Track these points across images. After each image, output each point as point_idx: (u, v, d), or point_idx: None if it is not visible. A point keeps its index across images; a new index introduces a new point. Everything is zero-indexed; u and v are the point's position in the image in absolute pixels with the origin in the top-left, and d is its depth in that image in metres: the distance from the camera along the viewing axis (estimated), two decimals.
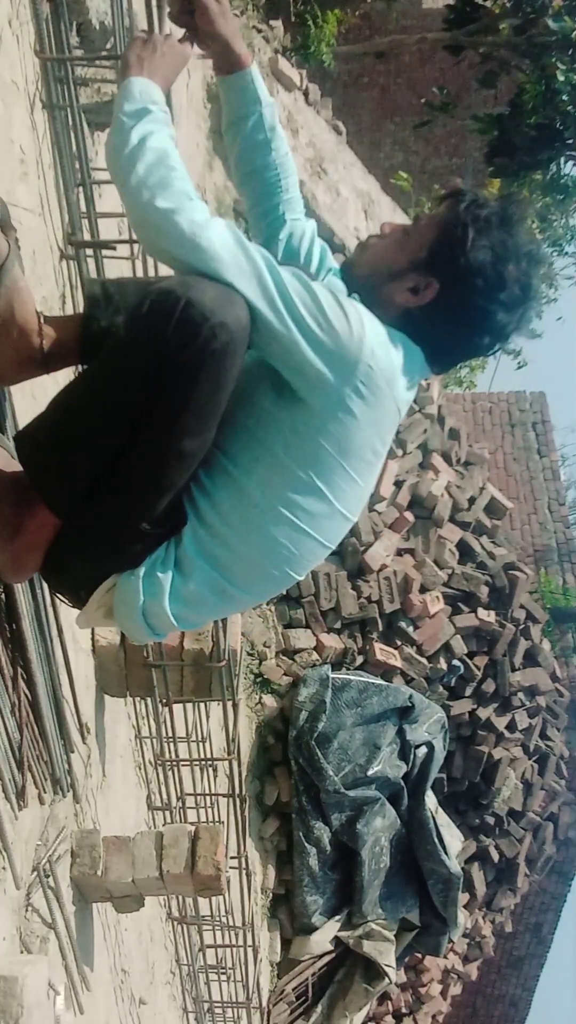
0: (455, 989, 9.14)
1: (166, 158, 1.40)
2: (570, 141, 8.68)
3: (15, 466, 1.71)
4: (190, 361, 1.35)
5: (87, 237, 2.65)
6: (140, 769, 3.86)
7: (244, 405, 1.50)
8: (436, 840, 6.76)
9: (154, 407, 1.40)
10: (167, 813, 3.79)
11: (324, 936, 6.54)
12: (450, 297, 1.54)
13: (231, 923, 4.49)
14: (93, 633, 3.14)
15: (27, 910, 2.30)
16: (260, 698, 6.37)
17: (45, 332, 1.60)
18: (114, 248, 2.68)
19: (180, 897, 3.85)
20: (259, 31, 7.01)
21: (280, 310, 1.41)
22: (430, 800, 6.89)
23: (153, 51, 1.54)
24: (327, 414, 1.45)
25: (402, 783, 6.66)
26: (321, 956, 6.59)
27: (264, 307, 1.40)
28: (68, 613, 2.72)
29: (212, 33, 1.63)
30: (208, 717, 3.93)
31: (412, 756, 6.65)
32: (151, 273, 2.30)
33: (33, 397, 2.40)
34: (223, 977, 4.82)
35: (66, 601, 1.72)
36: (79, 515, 1.54)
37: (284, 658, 6.48)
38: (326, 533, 1.58)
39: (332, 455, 1.48)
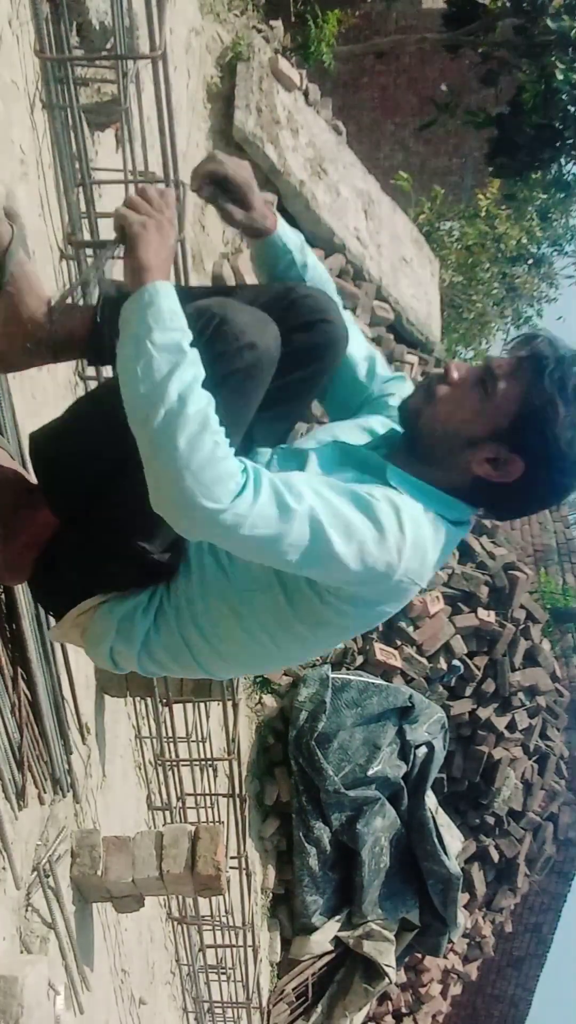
0: (455, 989, 9.14)
1: (208, 427, 1.24)
2: (570, 140, 8.68)
3: (13, 467, 1.71)
4: (214, 376, 1.30)
5: (87, 237, 2.64)
6: (140, 769, 3.86)
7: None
8: (436, 840, 6.75)
9: None
10: (167, 813, 3.80)
11: (324, 936, 6.54)
12: (534, 478, 1.45)
13: (231, 923, 4.49)
14: None
15: (27, 910, 2.30)
16: (260, 698, 6.37)
17: (56, 319, 1.55)
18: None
19: (180, 897, 3.85)
20: (259, 31, 7.01)
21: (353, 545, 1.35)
22: (430, 800, 6.88)
23: (159, 228, 1.39)
24: (337, 618, 1.47)
25: (402, 783, 6.66)
26: (321, 956, 6.59)
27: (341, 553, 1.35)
28: None
29: (248, 203, 1.57)
30: (208, 717, 3.93)
31: (412, 756, 6.65)
32: None
33: (33, 397, 2.41)
34: (223, 977, 4.82)
35: (45, 611, 1.75)
36: (79, 520, 1.52)
37: None
38: (292, 659, 1.62)
39: (338, 627, 1.50)
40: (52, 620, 2.44)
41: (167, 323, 1.28)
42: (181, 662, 1.57)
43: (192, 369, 1.26)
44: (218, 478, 1.23)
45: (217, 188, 1.55)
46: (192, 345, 1.29)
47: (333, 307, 1.57)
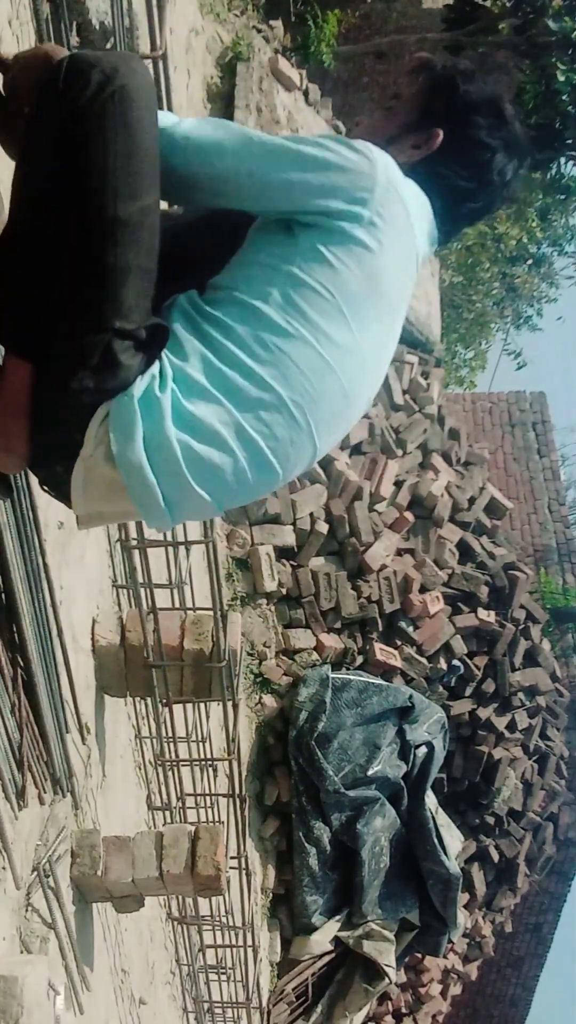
0: (455, 989, 9.14)
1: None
2: (570, 141, 8.68)
3: None
4: (90, 110, 1.23)
5: None
6: (140, 769, 3.86)
7: (252, 246, 1.43)
8: (435, 840, 6.76)
9: (74, 180, 1.26)
10: (167, 813, 3.79)
11: (324, 936, 6.54)
12: (454, 138, 1.52)
13: (231, 923, 4.49)
14: (93, 633, 3.14)
15: (27, 910, 2.30)
16: (260, 698, 6.37)
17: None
18: None
19: (180, 897, 3.85)
20: (259, 31, 7.01)
21: (289, 147, 1.37)
22: (430, 800, 6.89)
23: None
24: (345, 235, 1.37)
25: (402, 783, 6.66)
26: (321, 956, 6.59)
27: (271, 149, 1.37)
28: (68, 613, 2.72)
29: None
30: (208, 717, 3.93)
31: (412, 756, 6.65)
32: None
33: None
34: (223, 977, 4.82)
35: (59, 493, 1.47)
36: (50, 347, 1.35)
37: (284, 658, 6.48)
38: (348, 373, 1.42)
39: (354, 276, 1.38)
40: (54, 621, 2.44)
41: None
42: (224, 418, 1.35)
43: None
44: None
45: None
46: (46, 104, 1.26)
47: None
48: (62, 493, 1.44)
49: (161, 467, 1.33)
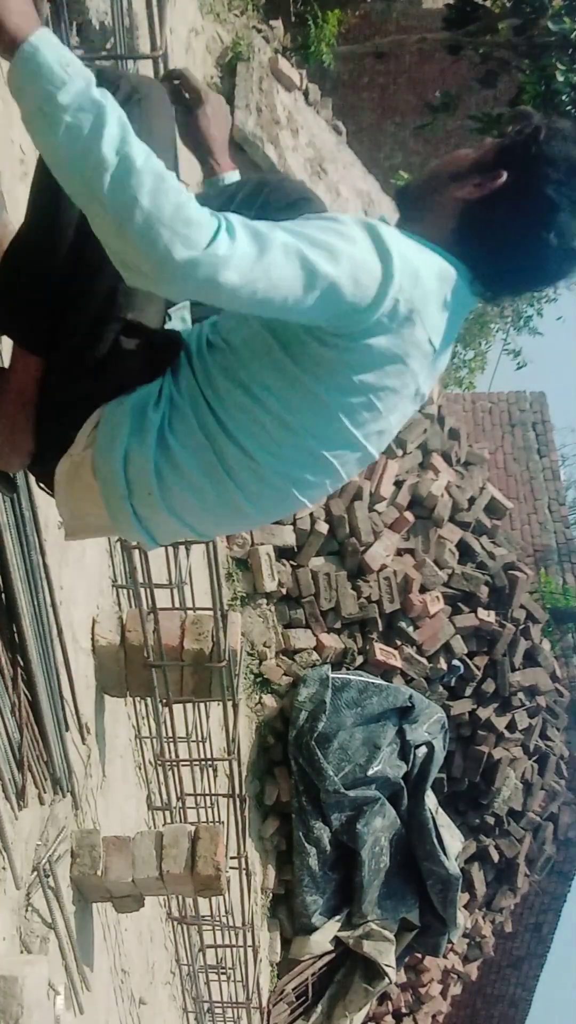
0: (455, 989, 9.14)
1: (163, 176, 1.14)
2: None
3: None
4: None
5: None
6: (140, 769, 3.86)
7: (255, 348, 1.37)
8: (435, 841, 6.76)
9: None
10: (167, 813, 3.80)
11: (324, 936, 6.54)
12: (518, 184, 1.41)
13: (231, 923, 4.49)
14: (93, 633, 3.14)
15: (27, 910, 2.30)
16: (260, 698, 6.37)
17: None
18: None
19: (180, 897, 3.85)
20: (259, 31, 7.01)
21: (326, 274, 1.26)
22: (430, 800, 6.89)
23: None
24: (351, 345, 1.32)
25: (402, 783, 6.66)
26: (321, 956, 6.59)
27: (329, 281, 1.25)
28: (68, 613, 2.72)
29: (204, 135, 1.56)
30: (208, 717, 3.93)
31: (412, 756, 6.65)
32: None
33: None
34: (223, 977, 4.83)
35: (49, 487, 1.47)
36: (58, 339, 1.35)
37: (284, 658, 6.48)
38: (343, 461, 1.42)
39: (353, 382, 1.34)
40: (54, 621, 2.44)
41: (63, 76, 1.10)
42: (203, 462, 1.36)
43: (115, 116, 1.11)
44: (192, 222, 1.14)
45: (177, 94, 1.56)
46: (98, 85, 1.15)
47: (308, 189, 1.60)
48: (51, 493, 1.47)
49: (135, 484, 1.35)
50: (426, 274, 1.36)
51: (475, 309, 1.54)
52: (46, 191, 1.31)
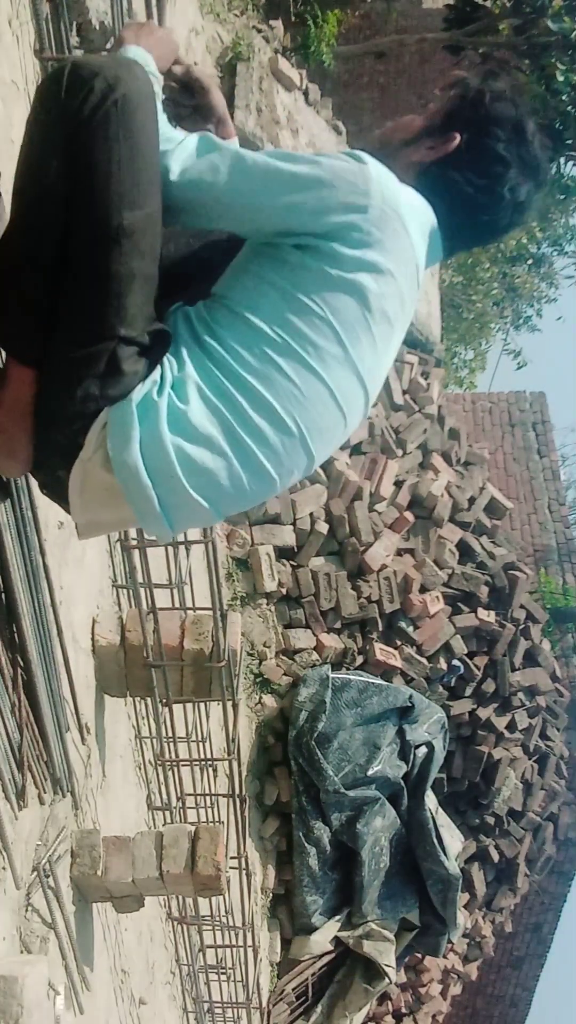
0: (455, 989, 9.14)
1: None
2: (570, 141, 8.68)
3: None
4: (94, 119, 1.25)
5: None
6: (140, 769, 3.86)
7: (247, 256, 1.45)
8: (435, 841, 6.76)
9: (79, 188, 1.27)
10: (167, 813, 3.79)
11: (324, 936, 6.54)
12: (471, 145, 1.53)
13: (231, 923, 4.49)
14: (93, 633, 3.14)
15: (27, 910, 2.30)
16: (260, 698, 6.37)
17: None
18: None
19: (180, 897, 3.85)
20: (259, 31, 7.01)
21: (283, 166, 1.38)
22: (430, 800, 6.89)
23: (150, 32, 1.46)
24: (338, 255, 1.38)
25: (402, 783, 6.66)
26: (321, 956, 6.59)
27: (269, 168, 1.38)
28: (68, 613, 2.72)
29: (209, 107, 1.60)
30: (208, 717, 3.93)
31: (412, 756, 6.65)
32: None
33: None
34: (223, 977, 4.82)
35: (58, 497, 1.47)
36: (51, 351, 1.36)
37: (284, 658, 6.48)
38: (339, 383, 1.43)
39: (346, 294, 1.38)
40: (54, 621, 2.44)
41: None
42: (219, 421, 1.36)
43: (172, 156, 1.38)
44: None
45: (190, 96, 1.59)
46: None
47: None
48: (62, 497, 1.45)
49: (156, 471, 1.33)
50: (406, 195, 1.45)
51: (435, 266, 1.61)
52: (27, 205, 1.32)
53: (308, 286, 1.38)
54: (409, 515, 7.30)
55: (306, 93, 7.39)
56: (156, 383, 1.36)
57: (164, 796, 3.70)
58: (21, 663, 2.22)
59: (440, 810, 7.13)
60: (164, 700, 3.35)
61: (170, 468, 1.34)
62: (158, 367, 1.37)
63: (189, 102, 1.59)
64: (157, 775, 3.70)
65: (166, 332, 1.38)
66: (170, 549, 3.22)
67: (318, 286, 1.38)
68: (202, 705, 3.80)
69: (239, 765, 3.88)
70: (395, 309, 1.45)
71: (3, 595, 2.12)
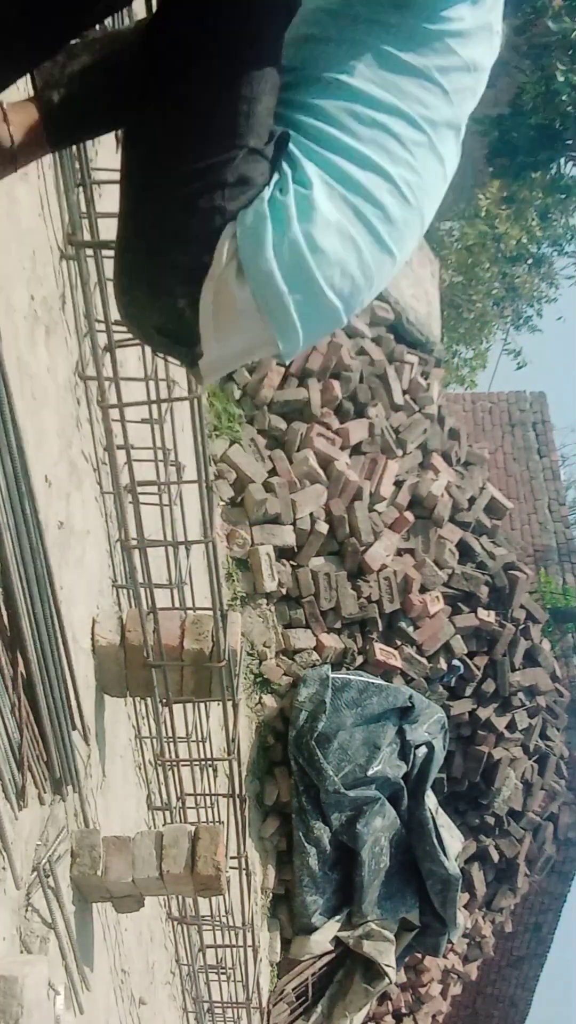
0: (455, 989, 9.14)
1: None
2: (570, 141, 8.70)
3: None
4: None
5: (87, 237, 2.65)
6: (140, 769, 3.86)
7: (315, 24, 1.30)
8: (435, 841, 6.76)
9: None
10: (167, 813, 3.79)
11: (324, 936, 6.54)
12: None
13: (231, 923, 4.49)
14: (93, 633, 3.14)
15: (27, 910, 2.30)
16: (260, 698, 6.37)
17: (11, 119, 1.38)
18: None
19: (180, 897, 3.86)
20: None
21: None
22: (430, 800, 6.89)
23: None
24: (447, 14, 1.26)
25: (402, 783, 6.67)
26: (321, 956, 6.59)
27: None
28: (68, 613, 2.72)
29: None
30: (208, 717, 3.93)
31: (412, 756, 6.65)
32: None
33: (33, 397, 2.41)
34: (223, 977, 4.82)
35: (178, 341, 1.36)
36: (155, 163, 1.26)
37: (284, 658, 6.48)
38: (447, 150, 1.35)
39: (448, 54, 1.28)
40: (54, 621, 2.44)
41: None
42: (347, 210, 1.27)
43: None
44: None
45: None
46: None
47: None
48: (183, 337, 1.34)
49: (290, 271, 1.25)
50: None
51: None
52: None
53: (410, 44, 1.26)
54: (409, 515, 7.30)
55: None
56: (277, 182, 1.26)
57: (164, 796, 3.70)
58: (21, 663, 2.22)
59: (440, 810, 7.13)
60: (164, 700, 3.35)
61: (303, 263, 1.26)
62: (276, 173, 1.27)
63: None
64: (157, 775, 3.70)
65: (284, 134, 1.27)
66: (170, 549, 3.22)
67: (419, 43, 1.26)
68: (202, 705, 3.80)
69: (239, 765, 3.87)
70: (477, 89, 1.37)
71: (3, 595, 2.12)
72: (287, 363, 1.43)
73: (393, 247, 1.31)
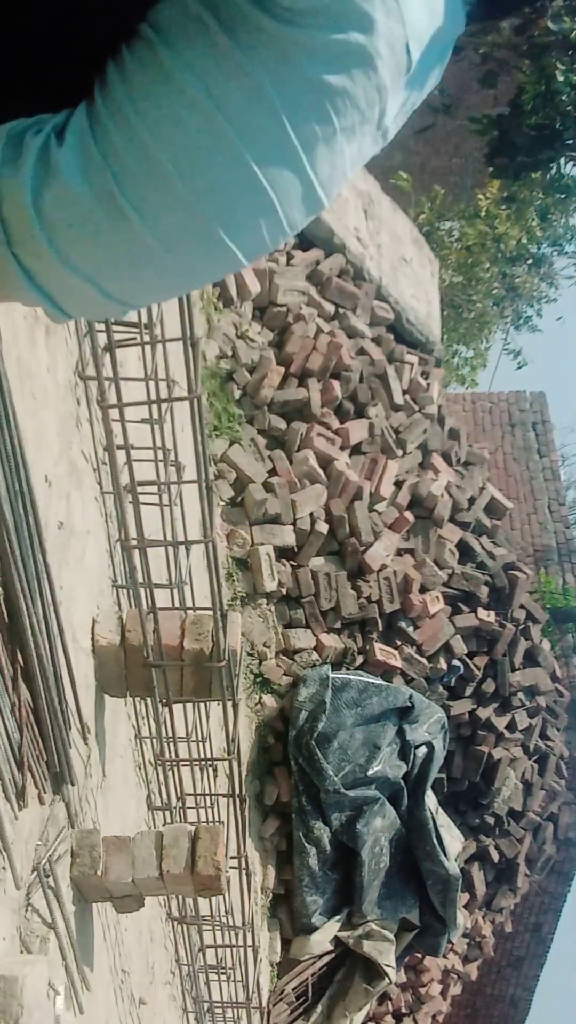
0: (455, 989, 9.14)
1: None
2: (570, 141, 8.68)
3: None
4: None
5: None
6: (140, 769, 3.86)
7: None
8: (435, 841, 6.76)
9: None
10: (167, 813, 3.80)
11: (324, 936, 6.54)
12: None
13: (231, 923, 4.49)
14: (93, 633, 3.14)
15: (27, 910, 2.30)
16: (260, 698, 6.37)
17: None
18: None
19: (180, 897, 3.85)
20: None
21: None
22: (430, 800, 6.89)
23: None
24: (310, 22, 0.92)
25: (402, 783, 6.67)
26: (321, 956, 6.59)
27: None
28: (68, 613, 2.72)
29: None
30: (208, 717, 3.93)
31: (412, 756, 6.66)
32: None
33: (33, 397, 2.41)
34: (223, 977, 4.82)
35: None
36: None
37: (284, 658, 6.48)
38: (264, 156, 0.98)
39: (307, 76, 0.96)
40: (55, 621, 2.44)
41: None
42: (97, 186, 0.95)
43: None
44: None
45: None
46: None
47: None
48: None
49: (12, 227, 0.95)
50: None
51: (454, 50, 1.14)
52: None
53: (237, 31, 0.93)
54: (409, 515, 7.30)
55: None
56: (35, 124, 1.00)
57: (164, 796, 3.70)
58: (21, 663, 2.22)
59: (440, 810, 7.13)
60: (164, 700, 3.35)
61: (28, 225, 0.95)
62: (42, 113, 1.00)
63: None
64: (157, 775, 3.70)
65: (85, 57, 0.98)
66: (170, 549, 3.22)
67: (276, 65, 0.95)
68: (202, 705, 3.80)
69: (239, 765, 3.87)
70: (367, 116, 1.02)
71: (3, 595, 2.12)
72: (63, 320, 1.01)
73: (158, 246, 0.99)
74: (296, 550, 6.57)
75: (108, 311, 1.07)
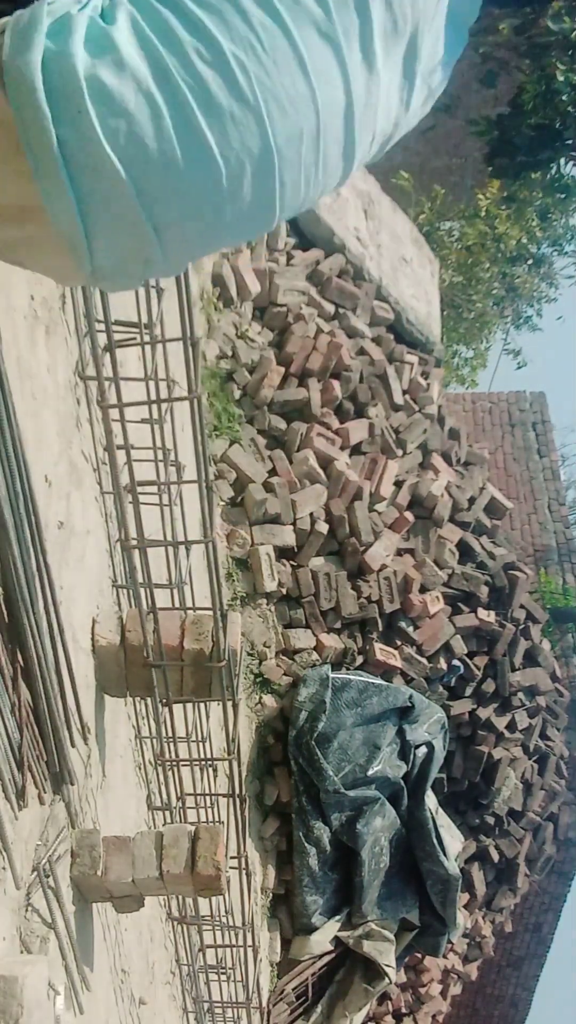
0: (455, 989, 9.14)
1: None
2: (570, 141, 8.68)
3: None
4: None
5: None
6: (140, 769, 3.86)
7: None
8: (435, 841, 6.76)
9: None
10: (167, 813, 3.80)
11: (324, 936, 6.54)
12: None
13: (231, 923, 4.49)
14: (93, 633, 3.14)
15: (27, 910, 2.30)
16: (260, 698, 6.37)
17: None
18: None
19: (180, 897, 3.85)
20: None
21: None
22: (430, 800, 6.89)
23: None
24: None
25: (402, 783, 6.67)
26: (321, 956, 6.59)
27: None
28: (68, 613, 2.72)
29: None
30: (208, 717, 3.93)
31: (412, 756, 6.65)
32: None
33: (33, 397, 2.41)
34: (223, 977, 4.82)
35: None
36: None
37: (284, 658, 6.48)
38: (312, 52, 0.97)
39: None
40: (55, 621, 2.44)
41: None
42: (154, 63, 0.92)
43: None
44: None
45: None
46: None
47: None
48: None
49: (60, 94, 0.90)
50: None
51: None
52: None
53: None
54: (409, 515, 7.30)
55: None
56: (77, 2, 0.95)
57: (164, 796, 3.70)
58: (21, 663, 2.22)
59: (440, 810, 7.13)
60: (164, 700, 3.35)
61: (77, 93, 0.90)
62: None
63: None
64: (157, 775, 3.70)
65: None
66: (170, 549, 3.22)
67: None
68: (202, 705, 3.80)
69: (239, 765, 3.87)
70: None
71: (3, 595, 2.12)
72: (88, 272, 0.93)
73: (211, 140, 0.94)
74: (296, 550, 6.57)
75: (136, 230, 0.97)
